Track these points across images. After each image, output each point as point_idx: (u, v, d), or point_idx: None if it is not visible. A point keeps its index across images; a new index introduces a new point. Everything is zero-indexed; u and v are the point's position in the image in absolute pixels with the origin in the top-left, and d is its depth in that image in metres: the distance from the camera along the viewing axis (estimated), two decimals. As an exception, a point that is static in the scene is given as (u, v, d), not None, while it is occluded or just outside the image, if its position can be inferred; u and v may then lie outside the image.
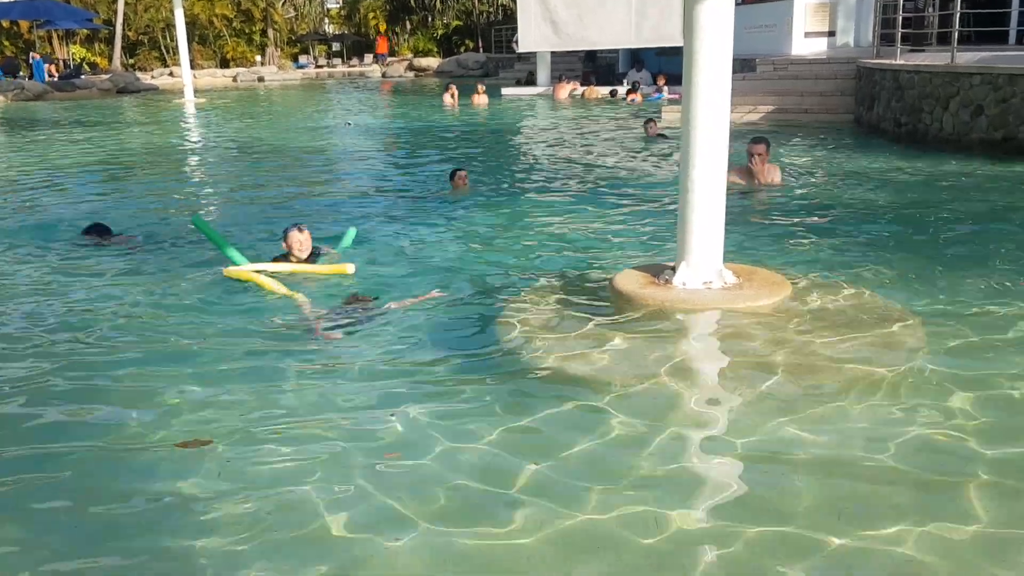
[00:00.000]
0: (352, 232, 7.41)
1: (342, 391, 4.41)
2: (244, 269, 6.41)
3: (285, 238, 6.62)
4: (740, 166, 9.34)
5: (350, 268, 6.44)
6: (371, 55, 48.25)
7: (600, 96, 23.76)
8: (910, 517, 3.09)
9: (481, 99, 24.08)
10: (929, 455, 3.57)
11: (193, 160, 15.07)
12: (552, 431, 3.89)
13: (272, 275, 6.29)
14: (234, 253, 6.69)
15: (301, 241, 6.58)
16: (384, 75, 43.04)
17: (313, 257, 6.70)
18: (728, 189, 8.43)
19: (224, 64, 44.52)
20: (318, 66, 48.17)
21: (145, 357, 4.96)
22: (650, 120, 15.52)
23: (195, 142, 17.81)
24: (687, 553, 2.95)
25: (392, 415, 4.07)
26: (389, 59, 45.27)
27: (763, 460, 3.57)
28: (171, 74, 38.66)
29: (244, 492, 3.43)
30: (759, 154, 9.42)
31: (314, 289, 6.13)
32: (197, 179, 12.83)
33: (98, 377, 4.70)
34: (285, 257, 6.62)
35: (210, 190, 11.68)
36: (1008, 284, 5.77)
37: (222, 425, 4.07)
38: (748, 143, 9.64)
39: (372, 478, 3.51)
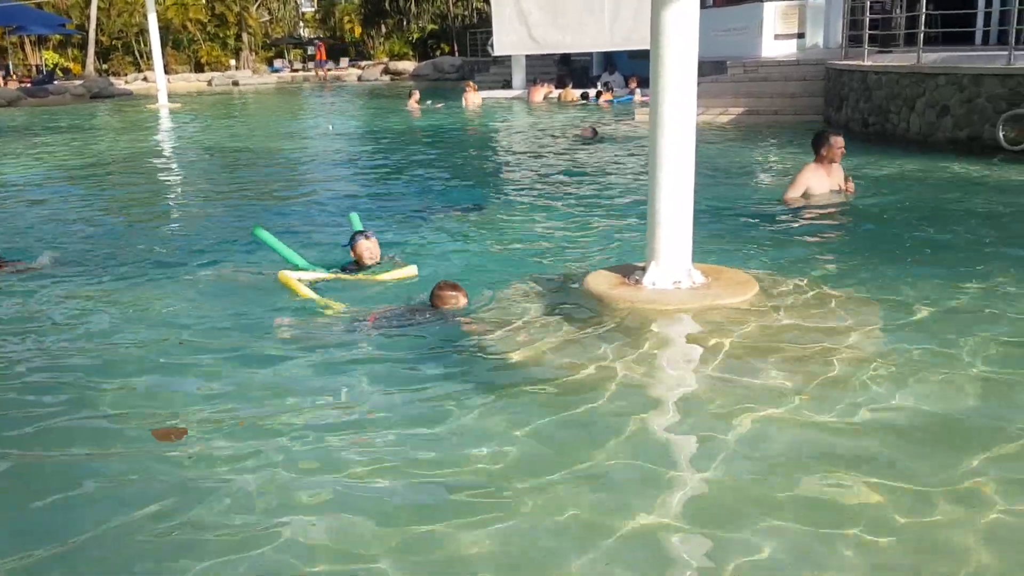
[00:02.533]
0: (354, 217, 7.35)
1: (303, 383, 4.52)
2: (293, 279, 6.16)
3: (353, 247, 6.56)
4: (811, 165, 8.86)
5: (414, 270, 6.41)
6: (347, 58, 48.30)
7: (575, 98, 23.92)
8: (875, 505, 3.21)
9: (475, 99, 24.14)
10: (891, 448, 3.68)
11: (168, 165, 15.04)
12: (517, 432, 3.94)
13: (323, 281, 6.27)
14: (302, 263, 6.62)
15: (369, 248, 6.51)
16: (360, 78, 43.07)
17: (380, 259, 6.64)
18: (808, 199, 8.58)
19: (198, 68, 44.37)
20: (293, 70, 48.10)
21: (131, 361, 5.02)
22: (590, 126, 15.83)
23: (170, 147, 17.78)
24: (649, 548, 3.05)
25: (352, 408, 4.22)
26: (364, 63, 45.37)
27: (729, 455, 3.67)
28: (145, 79, 38.46)
29: (211, 482, 3.51)
30: (841, 148, 8.78)
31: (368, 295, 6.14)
32: (172, 184, 12.81)
33: (74, 378, 4.76)
34: (355, 264, 6.56)
35: (186, 195, 11.69)
36: (962, 282, 5.91)
37: (197, 414, 4.19)
38: (829, 136, 8.87)
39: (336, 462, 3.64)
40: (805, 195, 8.74)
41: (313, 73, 45.60)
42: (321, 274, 6.45)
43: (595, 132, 15.33)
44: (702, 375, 4.50)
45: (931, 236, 7.44)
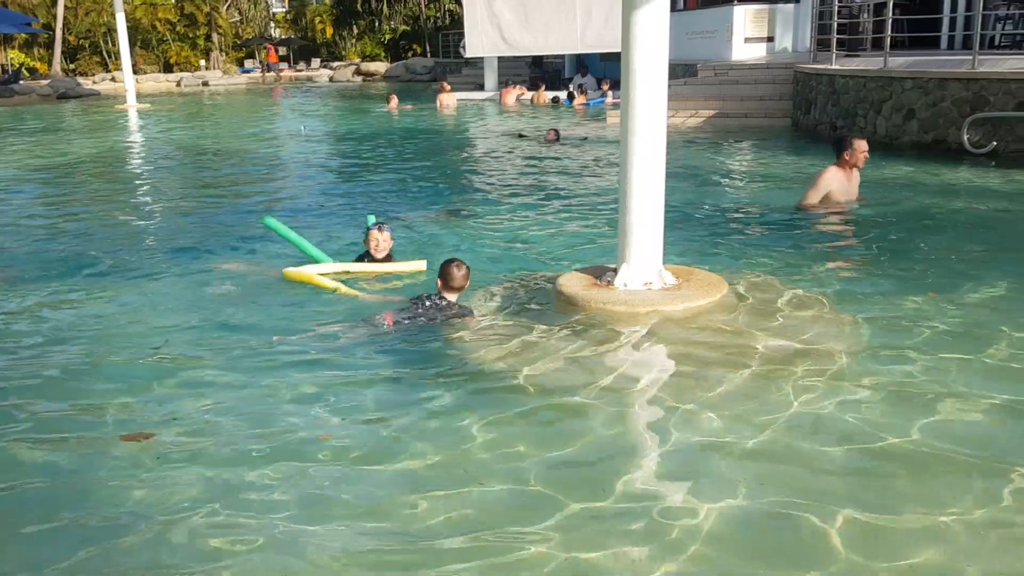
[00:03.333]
0: (371, 219, 7.29)
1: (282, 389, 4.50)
2: (304, 271, 6.36)
3: (366, 237, 6.69)
4: (831, 169, 8.46)
5: (422, 265, 6.53)
6: (318, 59, 48.09)
7: (547, 101, 24.01)
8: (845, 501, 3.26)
9: (449, 100, 24.17)
10: (859, 446, 3.74)
11: (138, 166, 14.90)
12: (484, 432, 3.96)
13: (340, 276, 6.36)
14: (315, 251, 6.75)
15: (377, 240, 6.62)
16: (331, 79, 42.91)
17: (390, 256, 6.76)
18: (827, 205, 8.36)
19: (167, 69, 43.97)
20: (264, 70, 47.81)
21: (105, 363, 4.97)
22: (552, 129, 15.85)
23: (139, 147, 17.62)
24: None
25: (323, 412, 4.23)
26: (336, 63, 45.17)
27: (696, 453, 3.72)
28: (113, 79, 38.04)
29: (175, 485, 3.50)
30: (865, 153, 8.39)
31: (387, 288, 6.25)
32: (142, 185, 12.68)
33: (45, 379, 4.72)
34: (367, 255, 6.69)
35: (155, 196, 11.57)
36: (919, 282, 6.01)
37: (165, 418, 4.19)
38: (853, 140, 8.49)
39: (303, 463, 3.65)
40: (824, 201, 8.37)
41: (261, 76, 45.02)
42: (329, 267, 6.50)
43: (558, 135, 15.45)
44: (670, 377, 4.54)
45: (896, 238, 7.55)
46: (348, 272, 6.50)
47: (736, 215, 8.62)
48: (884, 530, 3.09)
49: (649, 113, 5.39)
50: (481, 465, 3.64)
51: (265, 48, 47.39)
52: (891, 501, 3.27)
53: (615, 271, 5.70)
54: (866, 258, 6.86)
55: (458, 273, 5.46)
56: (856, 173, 8.48)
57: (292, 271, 6.41)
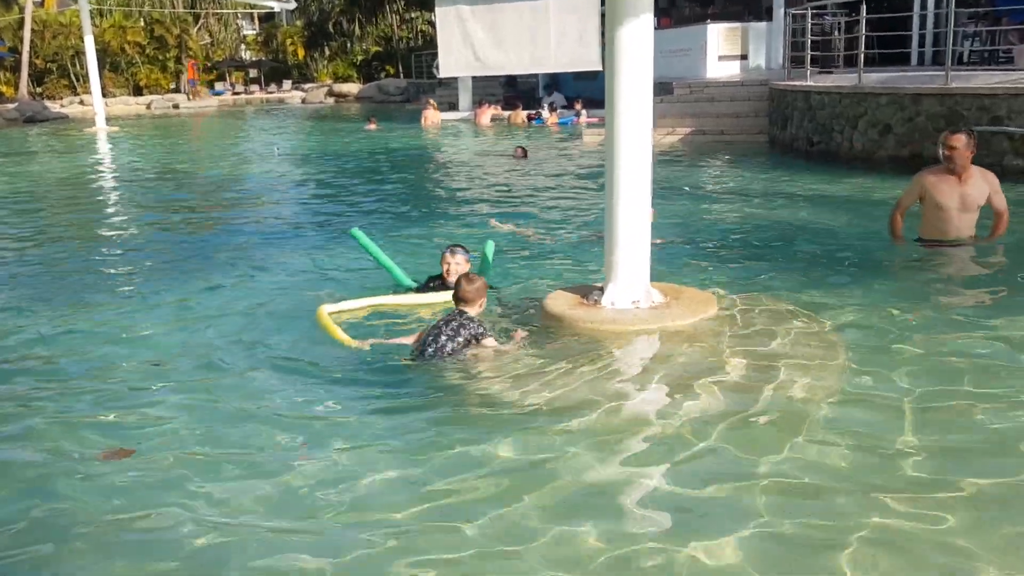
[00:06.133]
0: (491, 245, 6.77)
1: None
2: (326, 314, 5.71)
3: (442, 258, 6.30)
4: (923, 172, 7.11)
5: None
6: (290, 81, 47.89)
7: (523, 121, 24.01)
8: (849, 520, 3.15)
9: (434, 117, 24.21)
10: (859, 463, 3.64)
11: (109, 189, 14.63)
12: (466, 453, 3.85)
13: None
14: (395, 270, 6.57)
15: (450, 263, 6.22)
16: (303, 100, 42.73)
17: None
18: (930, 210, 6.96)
19: (137, 92, 43.49)
20: (235, 93, 47.49)
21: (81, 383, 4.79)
22: (519, 147, 16.11)
23: (110, 171, 17.33)
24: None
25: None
26: (307, 85, 44.96)
27: (686, 480, 3.59)
28: (82, 102, 37.61)
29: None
30: (957, 149, 6.64)
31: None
32: (112, 210, 12.42)
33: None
34: (440, 279, 6.29)
35: (128, 219, 11.31)
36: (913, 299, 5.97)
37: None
38: (942, 134, 6.94)
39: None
40: (930, 206, 6.94)
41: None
42: (363, 302, 6.07)
43: (525, 153, 15.53)
44: (658, 398, 4.38)
45: (880, 254, 7.50)
46: (383, 305, 6.09)
47: (719, 232, 8.56)
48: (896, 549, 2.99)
49: (634, 130, 5.30)
50: (443, 488, 3.50)
51: (185, 65, 45.01)
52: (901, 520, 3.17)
53: (601, 290, 5.59)
54: (854, 274, 6.80)
55: (468, 286, 5.24)
56: (974, 175, 6.78)
57: (323, 314, 5.77)
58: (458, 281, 5.31)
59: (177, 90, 44.22)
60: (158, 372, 5.08)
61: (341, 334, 5.39)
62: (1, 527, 3.36)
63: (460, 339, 5.00)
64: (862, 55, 13.25)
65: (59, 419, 4.42)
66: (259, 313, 6.21)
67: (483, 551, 3.08)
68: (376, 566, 3.02)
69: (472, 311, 5.19)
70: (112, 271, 7.90)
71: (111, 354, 5.42)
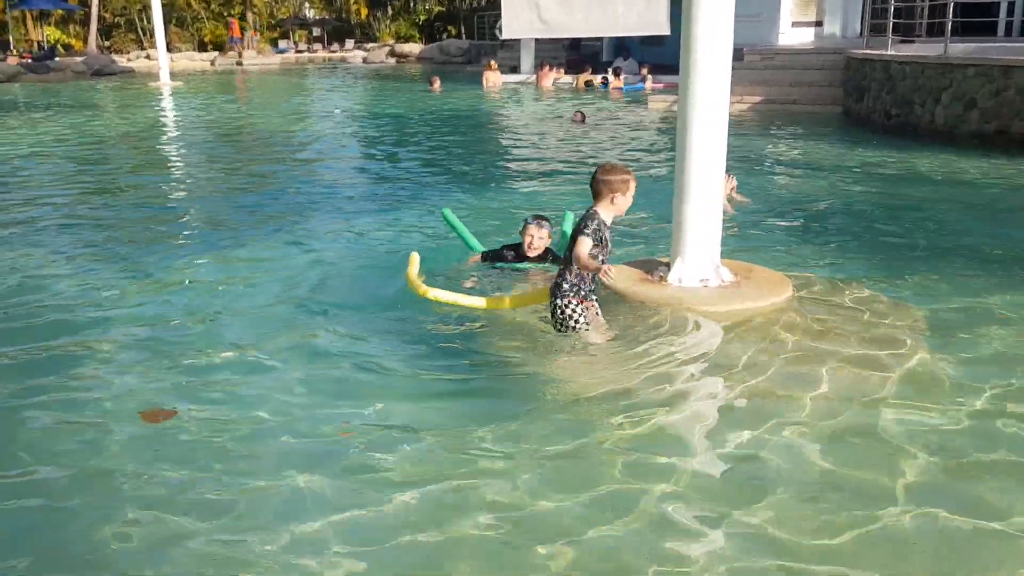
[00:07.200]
0: (570, 217, 6.22)
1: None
2: (446, 297, 5.19)
3: (523, 228, 5.77)
4: None
5: (480, 302, 5.21)
6: (352, 40, 47.72)
7: (582, 85, 23.53)
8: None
9: (495, 79, 24.06)
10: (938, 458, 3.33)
11: (170, 144, 14.62)
12: (529, 432, 3.68)
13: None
14: (479, 248, 6.15)
15: (533, 236, 5.69)
16: (365, 60, 42.56)
17: (545, 256, 5.79)
18: None
19: (202, 48, 43.77)
20: (298, 51, 47.52)
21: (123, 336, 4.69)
22: (578, 111, 15.79)
23: (172, 125, 17.35)
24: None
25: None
26: (370, 45, 44.75)
27: (748, 466, 3.35)
28: (148, 57, 37.91)
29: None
30: None
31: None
32: (175, 164, 12.38)
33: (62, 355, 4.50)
34: (516, 249, 5.81)
35: (188, 176, 11.26)
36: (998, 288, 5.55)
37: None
38: None
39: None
40: None
41: (235, 53, 41.57)
42: (456, 297, 5.27)
43: (584, 117, 15.16)
44: (732, 385, 4.11)
45: (965, 236, 7.06)
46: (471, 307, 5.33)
47: (791, 209, 8.16)
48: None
49: (710, 100, 4.96)
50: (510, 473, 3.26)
51: (229, 23, 43.71)
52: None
53: (667, 266, 5.27)
54: (934, 256, 6.38)
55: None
56: None
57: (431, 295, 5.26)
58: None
59: (243, 47, 44.33)
60: (213, 331, 5.03)
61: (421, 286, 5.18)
62: (44, 484, 3.32)
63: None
64: (950, 23, 12.55)
65: (108, 377, 4.35)
66: (323, 274, 6.15)
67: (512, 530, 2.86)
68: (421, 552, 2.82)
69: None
70: (174, 228, 7.84)
71: (166, 312, 5.38)
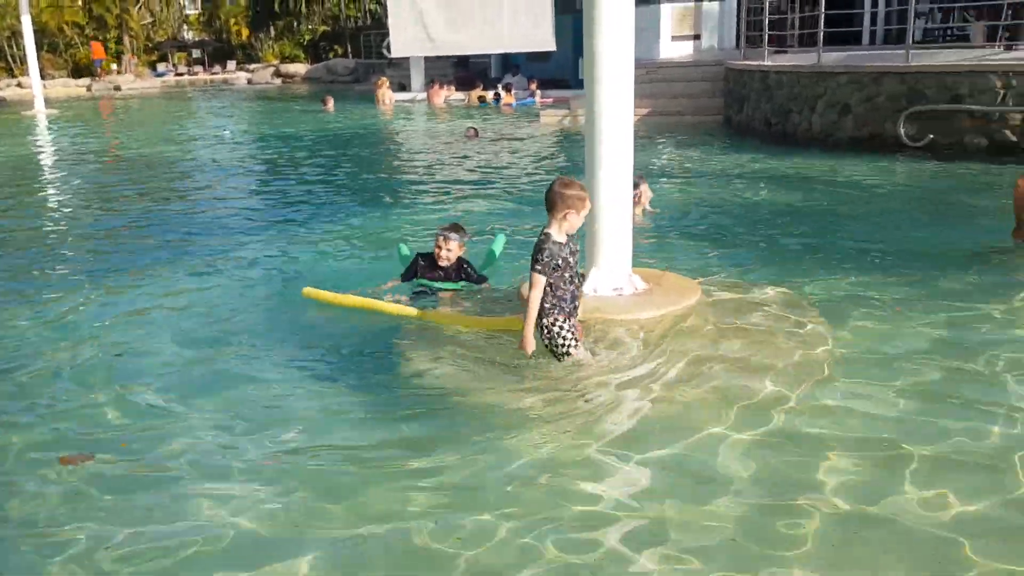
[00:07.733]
0: (500, 239, 6.36)
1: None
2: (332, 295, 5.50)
3: (436, 239, 5.80)
4: None
5: (412, 312, 5.42)
6: (234, 62, 46.82)
7: (475, 100, 23.75)
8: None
9: (388, 95, 24.15)
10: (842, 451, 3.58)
11: (47, 176, 14.04)
12: (438, 442, 3.80)
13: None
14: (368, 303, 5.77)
15: (442, 248, 5.73)
16: (249, 81, 41.79)
17: (455, 272, 5.84)
18: None
19: (77, 73, 42.12)
20: (178, 74, 46.30)
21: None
22: (471, 127, 16.12)
23: (49, 156, 16.66)
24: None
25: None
26: (253, 66, 43.94)
27: (672, 470, 3.53)
28: (19, 85, 36.24)
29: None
30: None
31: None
32: (54, 198, 11.87)
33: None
34: (427, 259, 5.84)
35: (72, 207, 10.86)
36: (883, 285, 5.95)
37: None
38: None
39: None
40: None
41: (101, 76, 40.14)
42: (353, 298, 5.63)
43: (476, 133, 15.44)
44: (648, 392, 4.26)
45: (849, 232, 7.51)
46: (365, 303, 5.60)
47: (692, 216, 8.49)
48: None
49: (616, 113, 5.18)
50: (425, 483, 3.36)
51: (90, 45, 41.84)
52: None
53: (583, 276, 5.45)
54: (828, 255, 6.78)
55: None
56: None
57: (312, 292, 5.69)
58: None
59: (119, 71, 42.86)
60: (114, 367, 4.92)
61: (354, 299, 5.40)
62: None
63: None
64: (822, 33, 13.25)
65: (6, 422, 4.23)
66: (220, 302, 6.06)
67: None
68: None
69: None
70: (59, 263, 7.57)
71: (60, 349, 5.21)
